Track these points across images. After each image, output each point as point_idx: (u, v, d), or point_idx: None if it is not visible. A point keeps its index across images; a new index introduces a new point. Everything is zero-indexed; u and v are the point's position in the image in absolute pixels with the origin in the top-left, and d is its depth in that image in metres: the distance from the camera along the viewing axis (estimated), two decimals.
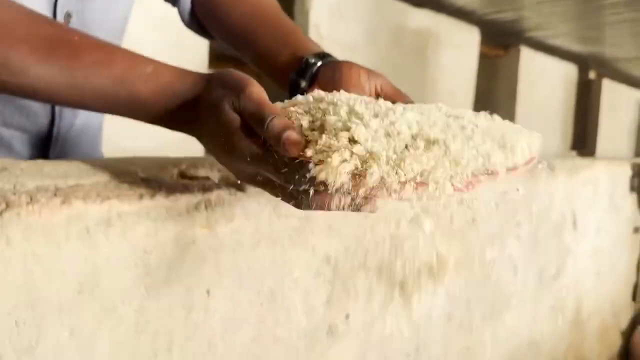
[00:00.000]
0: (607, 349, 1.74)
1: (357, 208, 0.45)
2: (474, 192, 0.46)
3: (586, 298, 1.54)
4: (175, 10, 0.81)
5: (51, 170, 0.52)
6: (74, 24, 0.66)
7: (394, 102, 0.56)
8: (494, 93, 6.08)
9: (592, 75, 8.59)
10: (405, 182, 0.41)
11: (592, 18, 5.27)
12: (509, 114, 5.88)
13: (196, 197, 0.54)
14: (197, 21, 0.80)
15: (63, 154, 0.75)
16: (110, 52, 0.52)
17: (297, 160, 0.42)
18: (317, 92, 0.51)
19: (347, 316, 0.73)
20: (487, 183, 0.47)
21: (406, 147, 0.42)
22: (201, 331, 0.54)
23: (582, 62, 7.96)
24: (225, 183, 0.59)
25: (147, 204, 0.50)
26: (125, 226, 0.48)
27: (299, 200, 0.45)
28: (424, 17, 4.45)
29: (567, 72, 7.01)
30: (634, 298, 2.00)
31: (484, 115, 0.55)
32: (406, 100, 0.62)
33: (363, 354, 0.75)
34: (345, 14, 3.72)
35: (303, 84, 0.65)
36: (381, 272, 0.77)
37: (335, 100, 0.47)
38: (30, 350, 0.43)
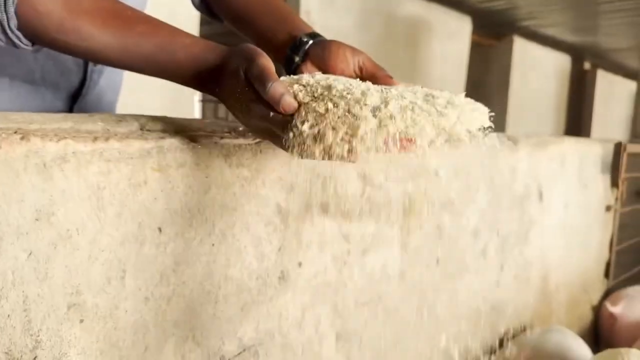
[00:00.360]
0: (577, 321, 1.80)
1: (341, 158, 0.56)
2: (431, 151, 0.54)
3: (554, 270, 1.60)
4: None
5: (18, 117, 0.57)
6: None
7: (374, 75, 0.73)
8: (487, 82, 6.13)
9: (587, 65, 8.63)
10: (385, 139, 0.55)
11: (585, 7, 5.29)
12: (501, 103, 5.94)
13: (149, 144, 0.60)
14: (206, 5, 0.90)
15: (85, 110, 0.84)
16: (156, 24, 0.63)
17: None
18: (317, 75, 0.64)
19: (299, 264, 0.78)
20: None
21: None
22: (153, 264, 0.60)
23: (577, 53, 7.99)
24: (180, 135, 0.64)
25: (101, 145, 0.56)
26: (79, 163, 0.53)
27: (298, 149, 0.56)
28: (415, 6, 4.48)
29: (560, 62, 7.05)
30: (606, 275, 2.06)
31: (448, 93, 0.64)
32: (384, 74, 0.74)
33: (314, 301, 0.81)
34: (336, 1, 3.75)
35: (297, 59, 0.77)
36: (334, 223, 0.83)
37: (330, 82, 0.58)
38: None
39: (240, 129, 0.70)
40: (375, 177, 0.92)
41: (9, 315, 0.49)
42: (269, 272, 0.73)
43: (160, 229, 0.60)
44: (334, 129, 0.54)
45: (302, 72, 0.75)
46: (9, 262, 0.49)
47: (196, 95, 4.70)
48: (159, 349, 0.62)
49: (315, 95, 0.56)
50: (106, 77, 0.88)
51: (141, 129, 0.64)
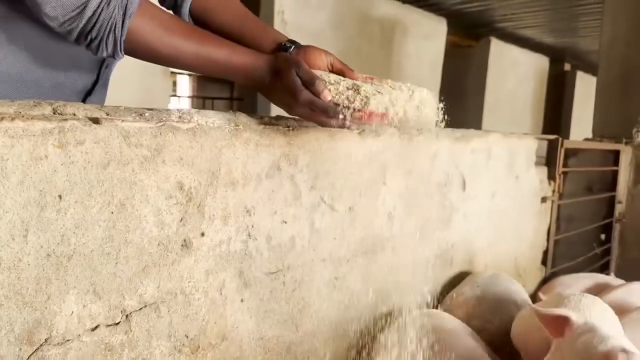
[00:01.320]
0: None
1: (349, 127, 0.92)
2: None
3: (481, 254, 1.71)
4: None
5: None
6: None
7: (341, 70, 1.00)
8: (465, 82, 6.23)
9: (567, 66, 8.76)
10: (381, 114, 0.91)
11: (563, 10, 5.38)
12: (477, 102, 6.05)
13: (52, 124, 0.70)
14: (194, 19, 1.10)
15: (90, 101, 1.04)
16: (219, 40, 0.92)
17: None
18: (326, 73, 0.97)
19: (202, 234, 0.89)
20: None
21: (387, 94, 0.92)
22: (54, 226, 0.70)
23: (556, 54, 8.11)
24: (85, 117, 0.74)
25: (6, 124, 0.66)
26: None
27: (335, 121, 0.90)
28: (390, 7, 4.58)
29: (538, 63, 7.16)
30: (543, 263, 2.17)
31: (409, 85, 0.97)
32: (348, 69, 1.01)
33: (218, 267, 0.91)
34: (311, 2, 3.85)
35: None
36: (240, 198, 0.93)
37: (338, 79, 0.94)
38: None
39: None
40: (292, 158, 1.02)
41: None
42: (170, 240, 0.84)
43: (60, 197, 0.71)
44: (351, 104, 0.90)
45: None
46: None
47: (170, 93, 4.74)
48: (61, 298, 0.72)
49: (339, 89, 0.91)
50: (106, 77, 1.08)
51: (53, 113, 0.74)
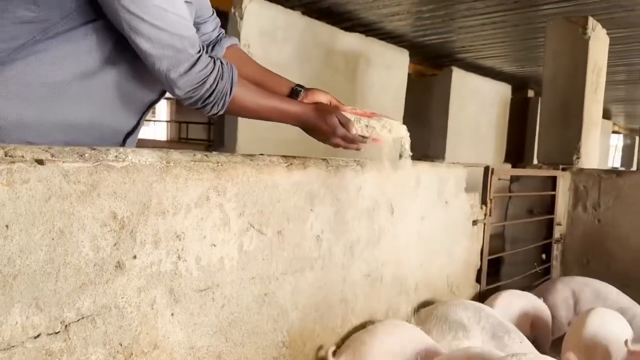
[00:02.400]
0: None
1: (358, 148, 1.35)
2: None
3: (411, 272, 1.86)
4: None
5: None
6: None
7: (337, 106, 1.37)
8: (429, 109, 6.47)
9: (530, 93, 9.09)
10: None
11: (519, 42, 5.65)
12: (441, 129, 6.28)
13: (1, 166, 0.84)
14: None
15: (131, 144, 1.28)
16: (278, 96, 1.30)
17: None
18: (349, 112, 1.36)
19: (134, 257, 1.03)
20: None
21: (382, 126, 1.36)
22: (1, 250, 0.84)
23: (519, 82, 8.43)
24: (32, 159, 0.89)
25: None
26: None
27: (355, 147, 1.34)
28: (354, 39, 4.79)
29: (500, 90, 7.44)
30: (477, 280, 2.34)
31: (389, 120, 1.38)
32: (342, 104, 1.39)
33: (149, 285, 1.05)
34: (277, 35, 4.04)
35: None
36: (170, 225, 1.08)
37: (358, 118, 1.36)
38: None
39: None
40: (221, 189, 1.17)
41: None
42: (104, 261, 0.98)
43: (7, 226, 0.84)
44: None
45: None
46: None
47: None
48: (6, 310, 0.85)
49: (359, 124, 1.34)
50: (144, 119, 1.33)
51: (5, 155, 0.89)
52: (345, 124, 1.30)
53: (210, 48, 1.43)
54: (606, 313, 1.93)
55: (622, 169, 3.39)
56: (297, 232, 1.39)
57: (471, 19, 4.55)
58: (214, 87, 1.13)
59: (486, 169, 2.30)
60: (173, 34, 1.07)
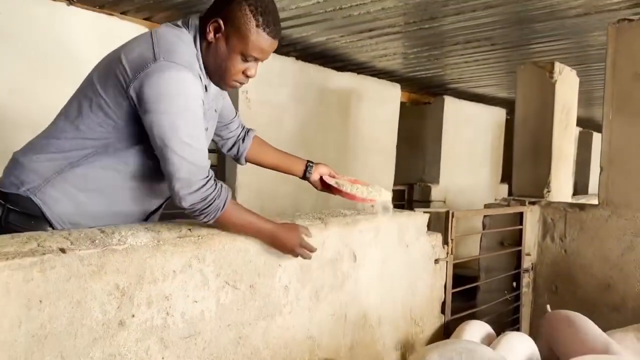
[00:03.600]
0: (405, 344, 2.36)
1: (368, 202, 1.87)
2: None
3: (373, 309, 2.17)
4: None
5: None
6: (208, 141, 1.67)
7: (333, 175, 1.97)
8: (423, 135, 6.78)
9: None
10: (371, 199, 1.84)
11: (510, 75, 5.91)
12: (435, 153, 6.57)
13: (36, 258, 1.18)
14: (237, 158, 1.97)
15: (153, 219, 1.71)
16: (252, 213, 1.59)
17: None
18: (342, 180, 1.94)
19: (132, 315, 1.35)
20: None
21: (370, 191, 1.88)
22: (36, 319, 1.17)
23: (514, 106, 8.71)
24: (57, 249, 1.22)
25: (7, 262, 1.13)
26: None
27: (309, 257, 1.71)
28: (346, 78, 5.14)
29: (495, 114, 7.71)
30: (442, 311, 2.63)
31: (378, 187, 1.92)
32: (339, 175, 1.96)
33: (145, 337, 1.38)
34: (272, 81, 4.39)
35: (308, 174, 1.94)
36: (159, 291, 1.40)
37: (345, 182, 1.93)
38: None
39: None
40: (201, 257, 1.49)
41: None
42: (110, 321, 1.31)
43: (40, 301, 1.18)
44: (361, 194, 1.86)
45: (314, 179, 1.95)
46: None
47: None
48: None
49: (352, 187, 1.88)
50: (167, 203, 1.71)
51: (38, 246, 1.22)
52: (307, 234, 1.67)
53: (241, 141, 1.92)
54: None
55: (585, 202, 3.66)
56: (267, 285, 1.71)
57: (454, 58, 4.87)
58: (210, 203, 1.44)
59: (446, 213, 2.61)
60: (191, 164, 1.40)
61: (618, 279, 3.21)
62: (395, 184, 6.02)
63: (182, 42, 1.46)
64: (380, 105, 5.53)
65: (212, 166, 1.51)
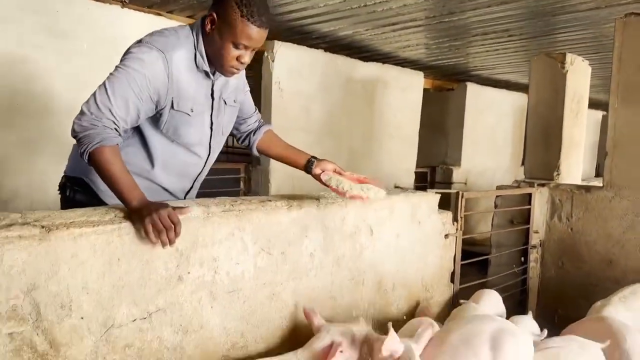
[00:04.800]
0: (416, 308, 2.61)
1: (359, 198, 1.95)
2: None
3: (388, 276, 2.42)
4: None
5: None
6: (216, 128, 1.86)
7: (340, 172, 1.99)
8: (446, 120, 6.91)
9: None
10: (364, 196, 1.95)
11: (526, 63, 5.99)
12: (457, 138, 6.72)
13: (114, 225, 1.46)
14: (259, 153, 2.13)
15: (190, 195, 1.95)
16: (126, 176, 1.51)
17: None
18: (331, 174, 1.98)
19: (188, 272, 1.64)
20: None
21: (362, 189, 1.95)
22: (114, 273, 1.46)
23: None
24: (128, 217, 1.51)
25: (97, 228, 1.43)
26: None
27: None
28: (371, 68, 5.33)
29: (516, 99, 7.76)
30: (452, 280, 2.86)
31: (375, 188, 2.00)
32: (344, 172, 1.99)
33: (197, 289, 1.67)
34: (303, 71, 4.63)
35: (311, 168, 1.98)
36: (210, 254, 1.68)
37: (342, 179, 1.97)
38: None
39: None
40: (242, 228, 1.77)
41: None
42: (171, 276, 1.59)
43: (119, 259, 1.47)
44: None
45: (315, 173, 1.96)
46: None
47: None
48: (118, 305, 1.48)
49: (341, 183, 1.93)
50: (198, 183, 1.95)
51: (115, 217, 1.51)
52: (167, 216, 1.45)
53: (252, 134, 2.09)
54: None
55: (593, 184, 3.81)
56: (295, 252, 1.98)
57: (475, 48, 5.00)
58: (86, 135, 1.48)
59: (456, 194, 2.82)
60: (96, 104, 1.53)
61: (620, 255, 3.37)
62: (418, 166, 6.20)
63: (173, 33, 1.66)
64: (403, 92, 5.71)
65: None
